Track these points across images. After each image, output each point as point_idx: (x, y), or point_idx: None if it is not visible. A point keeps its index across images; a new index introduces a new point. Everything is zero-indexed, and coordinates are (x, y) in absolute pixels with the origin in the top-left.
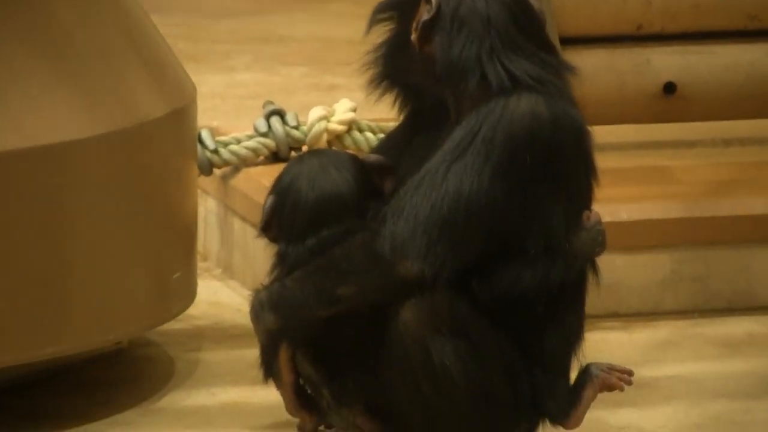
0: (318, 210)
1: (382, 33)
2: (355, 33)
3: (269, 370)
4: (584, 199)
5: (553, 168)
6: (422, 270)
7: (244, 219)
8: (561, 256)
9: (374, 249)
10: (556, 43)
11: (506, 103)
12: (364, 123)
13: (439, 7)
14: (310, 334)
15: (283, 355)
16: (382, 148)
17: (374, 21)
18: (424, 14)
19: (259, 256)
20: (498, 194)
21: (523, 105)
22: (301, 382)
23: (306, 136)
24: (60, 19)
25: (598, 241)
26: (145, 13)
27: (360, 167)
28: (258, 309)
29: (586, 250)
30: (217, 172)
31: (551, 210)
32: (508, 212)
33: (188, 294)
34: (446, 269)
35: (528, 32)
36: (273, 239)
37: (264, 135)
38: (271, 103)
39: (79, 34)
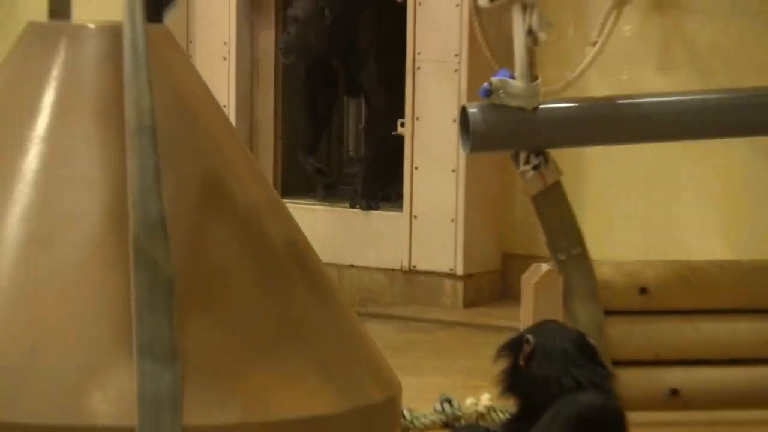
0: None
1: (503, 363)
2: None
3: None
4: None
5: None
6: None
7: None
8: None
9: None
10: (609, 362)
11: (575, 398)
12: (498, 407)
13: (535, 345)
14: None
15: None
16: (504, 425)
17: (498, 356)
18: (527, 349)
19: None
20: None
21: (586, 398)
22: None
23: (463, 414)
24: (301, 310)
25: None
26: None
27: None
28: None
29: None
30: None
31: None
32: None
33: None
34: None
35: (587, 357)
36: None
37: (440, 413)
38: (445, 395)
39: (321, 329)
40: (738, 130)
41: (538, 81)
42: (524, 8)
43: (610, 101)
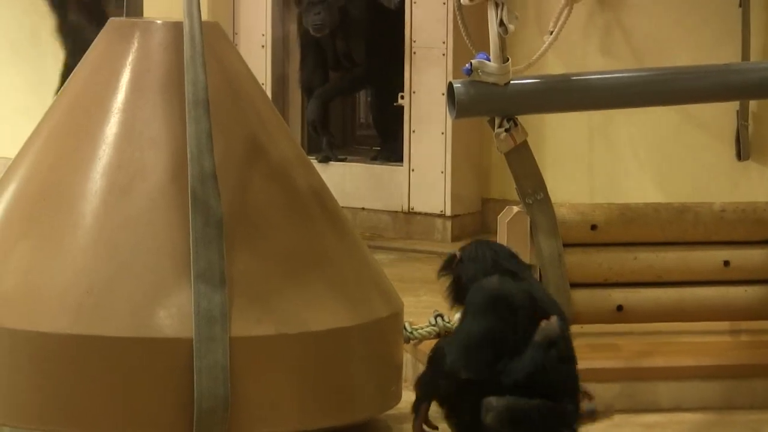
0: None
1: (446, 281)
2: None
3: (416, 412)
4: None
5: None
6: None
7: (422, 363)
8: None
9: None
10: (567, 286)
11: (479, 286)
12: None
13: (461, 256)
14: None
15: (423, 408)
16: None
17: (440, 276)
18: (455, 261)
19: None
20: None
21: (489, 283)
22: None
23: (453, 326)
24: (324, 244)
25: (552, 332)
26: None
27: None
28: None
29: (546, 334)
30: (411, 343)
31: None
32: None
33: (397, 396)
34: None
35: (506, 257)
36: None
37: (433, 326)
38: (438, 311)
39: (339, 258)
40: (663, 100)
41: (509, 62)
42: (496, 5)
43: (564, 77)
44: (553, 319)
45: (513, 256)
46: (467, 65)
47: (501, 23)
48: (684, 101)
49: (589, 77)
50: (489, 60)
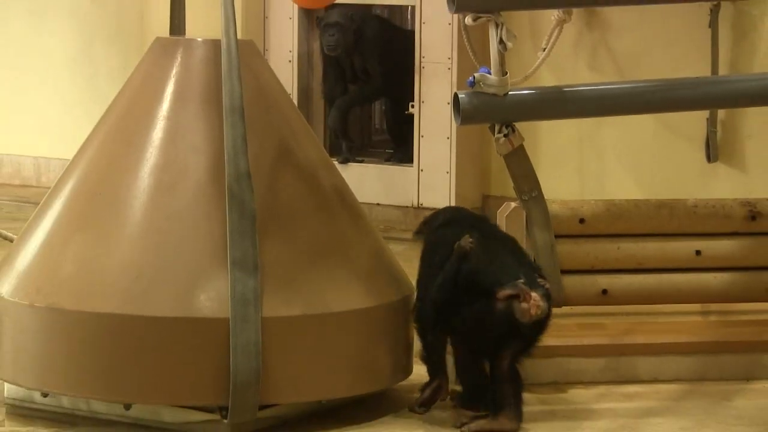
0: None
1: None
2: None
3: (422, 392)
4: None
5: None
6: None
7: None
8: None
9: None
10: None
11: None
12: None
13: (428, 217)
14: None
15: (427, 391)
16: None
17: (413, 237)
18: (423, 221)
19: None
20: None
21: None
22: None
23: None
24: (345, 235)
25: (460, 247)
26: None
27: None
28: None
29: (457, 251)
30: None
31: None
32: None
33: (408, 370)
34: None
35: (459, 217)
36: None
37: None
38: None
39: (357, 247)
40: (642, 109)
41: (507, 75)
42: (497, 25)
43: (556, 89)
44: (464, 238)
45: (468, 214)
46: (471, 78)
47: (501, 41)
48: (660, 110)
49: (578, 89)
50: (490, 73)
